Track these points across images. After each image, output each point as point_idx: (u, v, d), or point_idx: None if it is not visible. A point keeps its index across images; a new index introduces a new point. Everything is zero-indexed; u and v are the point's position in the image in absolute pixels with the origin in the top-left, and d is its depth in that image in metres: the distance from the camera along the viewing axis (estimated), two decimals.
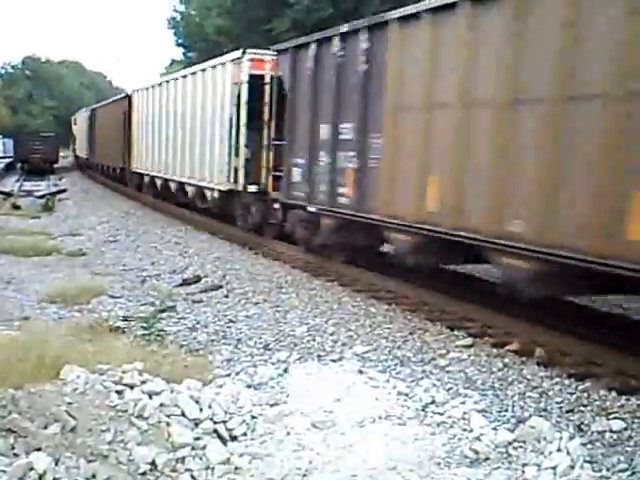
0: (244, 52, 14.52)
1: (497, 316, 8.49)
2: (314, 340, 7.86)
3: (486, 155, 7.79)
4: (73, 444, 4.30)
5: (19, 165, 47.41)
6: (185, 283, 10.98)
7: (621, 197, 6.25)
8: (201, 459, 4.54)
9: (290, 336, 8.01)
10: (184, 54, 37.42)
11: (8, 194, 27.67)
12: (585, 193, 6.64)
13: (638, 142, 6.17)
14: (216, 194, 16.06)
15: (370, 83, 9.94)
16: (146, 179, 23.43)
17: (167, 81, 21.09)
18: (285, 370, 6.29)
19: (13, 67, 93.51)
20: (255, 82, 14.14)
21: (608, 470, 4.75)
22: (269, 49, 13.90)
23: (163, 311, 8.85)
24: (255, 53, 14.43)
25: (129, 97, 26.49)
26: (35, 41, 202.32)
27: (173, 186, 19.90)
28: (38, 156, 45.63)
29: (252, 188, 14.27)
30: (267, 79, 13.94)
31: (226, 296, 10.08)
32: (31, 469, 3.95)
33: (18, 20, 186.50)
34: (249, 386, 5.79)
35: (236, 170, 14.68)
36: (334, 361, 6.92)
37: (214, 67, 16.31)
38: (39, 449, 4.16)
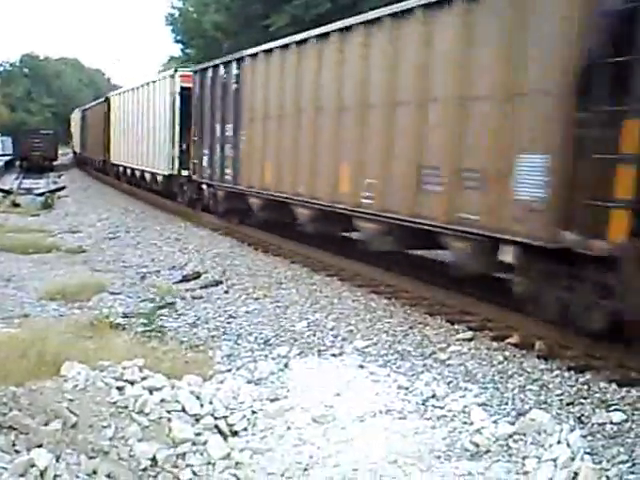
0: (176, 70, 20.11)
1: (497, 309, 8.50)
2: (314, 335, 7.87)
3: (299, 148, 12.02)
4: (74, 440, 4.31)
5: (18, 163, 47.40)
6: (185, 279, 11.00)
7: None
8: (202, 454, 4.55)
9: (290, 331, 8.02)
10: (182, 50, 37.43)
11: (7, 192, 27.69)
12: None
13: None
14: (162, 178, 21.18)
15: (239, 97, 14.75)
16: (120, 169, 28.82)
17: (132, 89, 26.31)
18: (285, 365, 6.30)
19: (11, 65, 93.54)
20: (186, 93, 18.76)
21: (608, 462, 4.76)
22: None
23: (163, 307, 8.86)
24: (184, 71, 19.64)
25: (108, 100, 31.45)
26: (33, 39, 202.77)
27: (137, 173, 25.16)
28: (37, 154, 45.70)
29: (184, 172, 19.07)
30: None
31: (226, 292, 10.09)
32: (32, 466, 3.96)
33: (16, 18, 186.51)
34: (249, 381, 5.79)
35: (174, 159, 19.76)
36: (334, 356, 6.93)
37: (158, 81, 21.71)
38: (40, 446, 4.17)
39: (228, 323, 8.37)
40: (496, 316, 8.40)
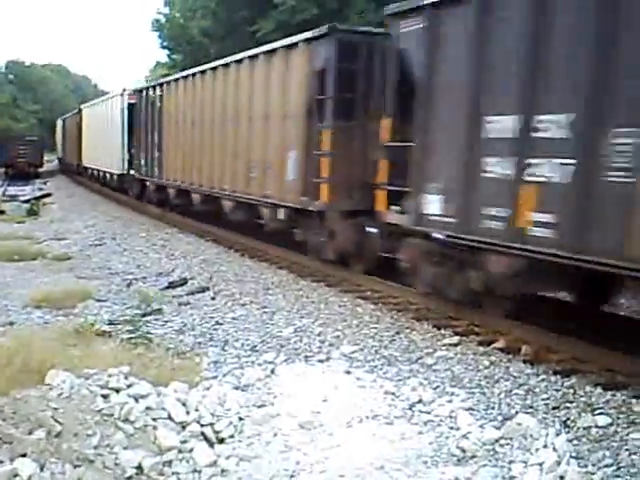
0: (124, 90, 24.89)
1: (483, 314, 8.52)
2: (301, 341, 7.86)
3: (195, 151, 16.64)
4: (59, 449, 4.28)
5: (3, 170, 47.10)
6: (171, 286, 10.95)
7: None
8: (188, 462, 4.53)
9: (277, 337, 8.00)
10: (169, 56, 37.29)
11: None
12: None
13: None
14: (116, 177, 26.23)
15: (161, 112, 19.58)
16: (89, 171, 33.98)
17: (96, 103, 32.02)
18: (272, 371, 6.30)
19: None
20: (132, 108, 23.14)
21: (594, 465, 4.78)
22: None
23: (149, 314, 8.82)
24: (130, 91, 24.37)
25: (80, 111, 36.38)
26: (19, 45, 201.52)
27: (101, 174, 30.40)
28: (22, 160, 45.45)
29: (132, 172, 23.33)
30: None
31: (213, 298, 10.06)
32: (16, 475, 3.93)
33: (1, 24, 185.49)
34: (236, 388, 5.79)
35: (124, 161, 24.46)
36: (321, 361, 6.93)
37: (114, 97, 26.68)
38: (24, 455, 4.14)
39: (215, 329, 8.34)
40: (482, 321, 8.42)
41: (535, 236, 6.72)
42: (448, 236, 7.98)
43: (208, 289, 10.63)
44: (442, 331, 8.24)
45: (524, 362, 7.13)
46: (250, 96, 13.23)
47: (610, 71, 6.00)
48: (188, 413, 5.00)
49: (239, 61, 13.94)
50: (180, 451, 4.60)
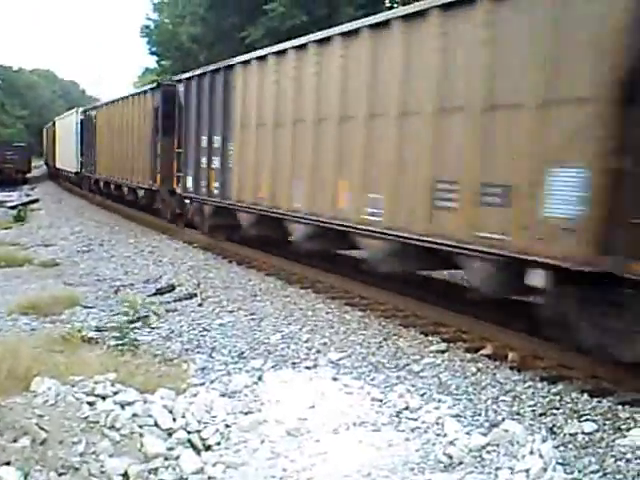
0: (77, 110, 32.60)
1: (471, 321, 8.54)
2: (288, 347, 7.85)
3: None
4: (43, 457, 4.24)
5: None
6: (159, 292, 10.92)
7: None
8: (174, 469, 4.51)
9: (264, 344, 8.00)
10: (157, 62, 37.25)
11: None
12: None
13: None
14: (73, 174, 33.73)
15: (94, 130, 27.71)
16: (59, 171, 41.37)
17: (62, 117, 40.33)
18: (259, 378, 6.28)
19: None
20: (83, 123, 30.51)
21: (580, 472, 4.80)
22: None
23: (136, 321, 8.79)
24: (82, 109, 32.33)
25: (54, 123, 43.70)
26: (6, 50, 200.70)
27: (66, 173, 37.59)
28: (10, 166, 45.19)
29: (84, 171, 30.40)
30: None
31: (200, 305, 10.04)
32: None
33: None
34: (223, 395, 5.77)
35: (78, 163, 31.49)
36: (308, 368, 6.93)
37: (71, 114, 34.22)
38: (8, 463, 4.10)
39: (202, 336, 8.33)
40: (470, 328, 8.44)
41: (215, 193, 14.19)
42: (191, 198, 15.94)
43: (196, 296, 10.60)
44: (429, 338, 8.25)
45: (511, 369, 7.15)
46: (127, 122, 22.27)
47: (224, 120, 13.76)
48: (175, 420, 4.98)
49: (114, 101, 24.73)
50: (166, 458, 4.58)
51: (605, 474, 4.81)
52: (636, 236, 5.75)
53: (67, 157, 34.94)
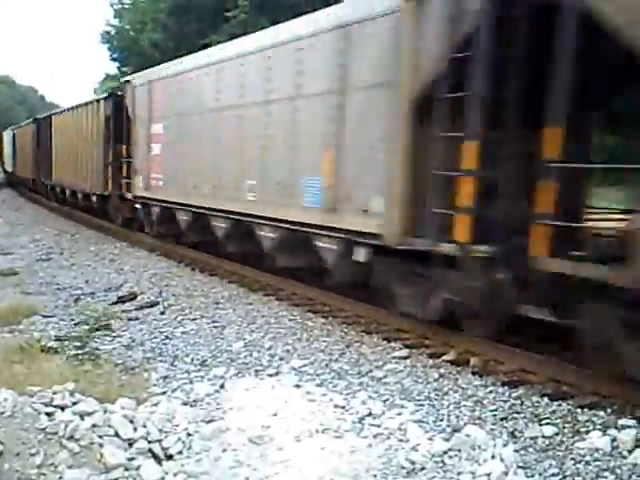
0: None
1: (433, 327, 8.58)
2: (251, 355, 7.82)
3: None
4: None
5: None
6: (121, 301, 10.80)
7: None
8: (135, 479, 4.46)
9: (227, 351, 7.95)
10: (118, 68, 37.03)
11: None
12: None
13: None
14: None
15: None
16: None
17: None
18: (222, 386, 6.26)
19: None
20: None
21: (540, 475, 4.84)
22: None
23: (97, 330, 8.67)
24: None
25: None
26: None
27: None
28: None
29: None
30: None
31: (162, 313, 9.95)
32: None
33: None
34: (185, 403, 5.73)
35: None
36: (271, 376, 6.90)
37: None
38: None
39: (164, 344, 8.26)
40: (432, 334, 8.48)
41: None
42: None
43: (158, 304, 10.51)
44: (392, 344, 8.28)
45: (473, 374, 7.20)
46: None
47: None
48: (135, 430, 4.92)
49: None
50: (127, 469, 4.52)
51: (565, 477, 4.87)
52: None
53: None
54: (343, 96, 8.77)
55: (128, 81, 17.46)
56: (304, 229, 9.64)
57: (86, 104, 22.37)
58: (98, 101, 20.81)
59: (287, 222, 10.03)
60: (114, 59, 36.91)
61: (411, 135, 7.63)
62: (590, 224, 8.04)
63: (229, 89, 11.97)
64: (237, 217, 11.54)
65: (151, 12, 28.75)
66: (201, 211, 12.99)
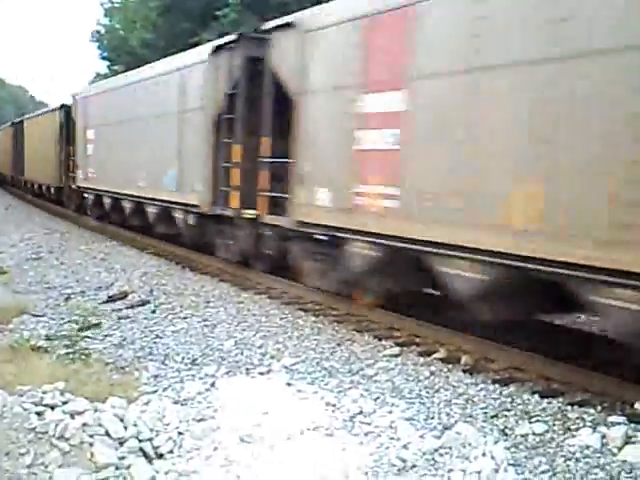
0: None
1: (424, 325, 8.61)
2: (242, 353, 7.81)
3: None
4: None
5: None
6: (111, 299, 10.77)
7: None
8: (125, 479, 4.45)
9: (218, 350, 7.94)
10: (109, 67, 36.89)
11: None
12: None
13: None
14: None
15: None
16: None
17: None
18: (213, 385, 6.25)
19: None
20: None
21: (531, 472, 4.85)
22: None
23: (88, 329, 8.65)
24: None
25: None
26: None
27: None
28: None
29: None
30: None
31: (153, 312, 9.93)
32: None
33: None
34: (176, 402, 5.71)
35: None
36: (262, 374, 6.89)
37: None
38: None
39: (155, 343, 8.23)
40: (423, 332, 8.50)
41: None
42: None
43: (148, 302, 10.49)
44: (383, 342, 8.29)
45: (464, 372, 7.22)
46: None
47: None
48: (126, 429, 4.91)
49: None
50: (117, 468, 4.51)
51: (555, 474, 4.89)
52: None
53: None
54: (182, 115, 13.64)
55: (76, 94, 22.46)
56: (167, 205, 14.41)
57: (46, 112, 28.24)
58: (54, 110, 26.16)
59: (158, 200, 14.86)
60: (104, 58, 36.77)
61: (212, 141, 12.20)
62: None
63: (128, 107, 17.17)
64: (137, 200, 16.38)
65: (141, 11, 28.67)
66: (116, 196, 17.94)
